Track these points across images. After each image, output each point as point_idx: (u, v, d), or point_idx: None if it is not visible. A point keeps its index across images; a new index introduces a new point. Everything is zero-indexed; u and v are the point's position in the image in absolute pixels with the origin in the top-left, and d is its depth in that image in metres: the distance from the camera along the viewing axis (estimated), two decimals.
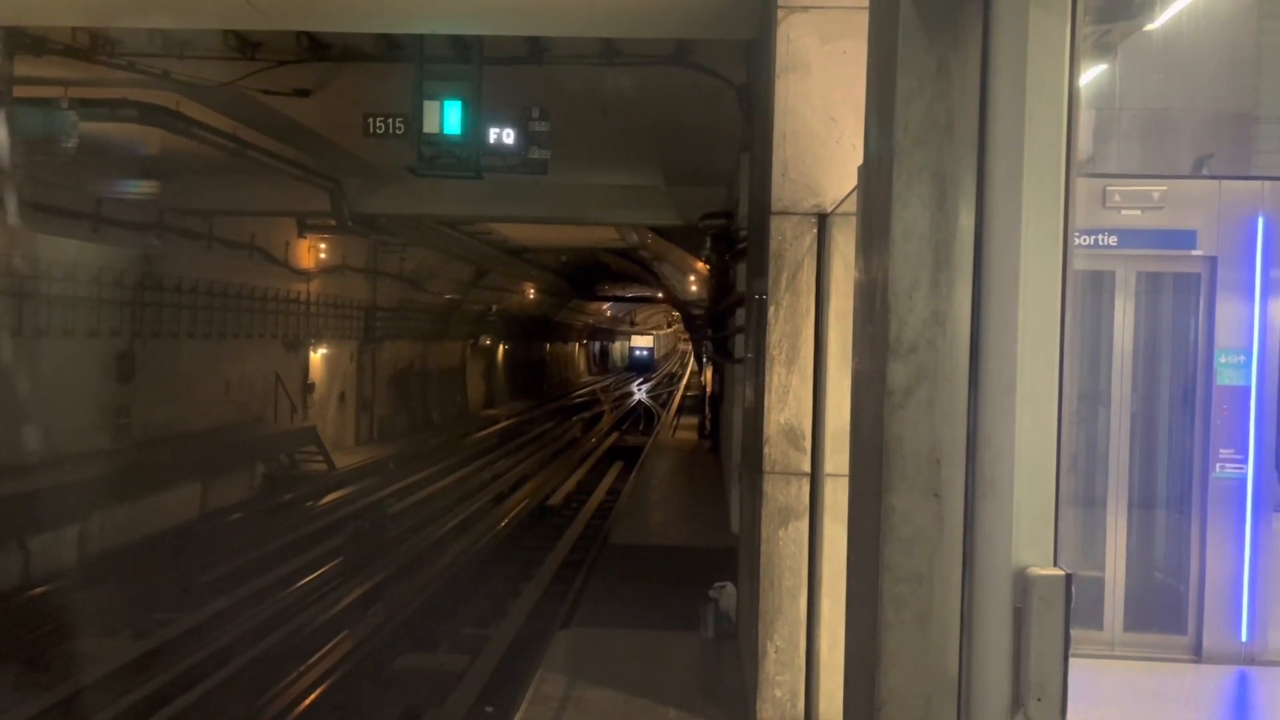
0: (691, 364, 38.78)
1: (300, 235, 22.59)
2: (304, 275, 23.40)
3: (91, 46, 9.66)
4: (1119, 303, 7.70)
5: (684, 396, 38.02)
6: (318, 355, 24.81)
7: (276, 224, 21.47)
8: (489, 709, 8.74)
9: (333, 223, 18.37)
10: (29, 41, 9.37)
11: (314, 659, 10.13)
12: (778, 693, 5.99)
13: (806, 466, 5.86)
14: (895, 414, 2.70)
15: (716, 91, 9.54)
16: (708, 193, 16.03)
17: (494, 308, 37.57)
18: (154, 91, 10.90)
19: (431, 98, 9.34)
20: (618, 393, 49.30)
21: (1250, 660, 7.48)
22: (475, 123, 9.49)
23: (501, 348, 42.84)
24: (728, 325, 13.88)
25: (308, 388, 24.23)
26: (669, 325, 43.77)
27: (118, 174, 15.43)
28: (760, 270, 6.25)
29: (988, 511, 2.53)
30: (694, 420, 29.97)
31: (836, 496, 5.57)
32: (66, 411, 14.64)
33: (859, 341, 3.21)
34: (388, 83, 10.09)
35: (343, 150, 14.72)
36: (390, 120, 9.50)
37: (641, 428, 35.20)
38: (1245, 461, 7.50)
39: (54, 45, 9.48)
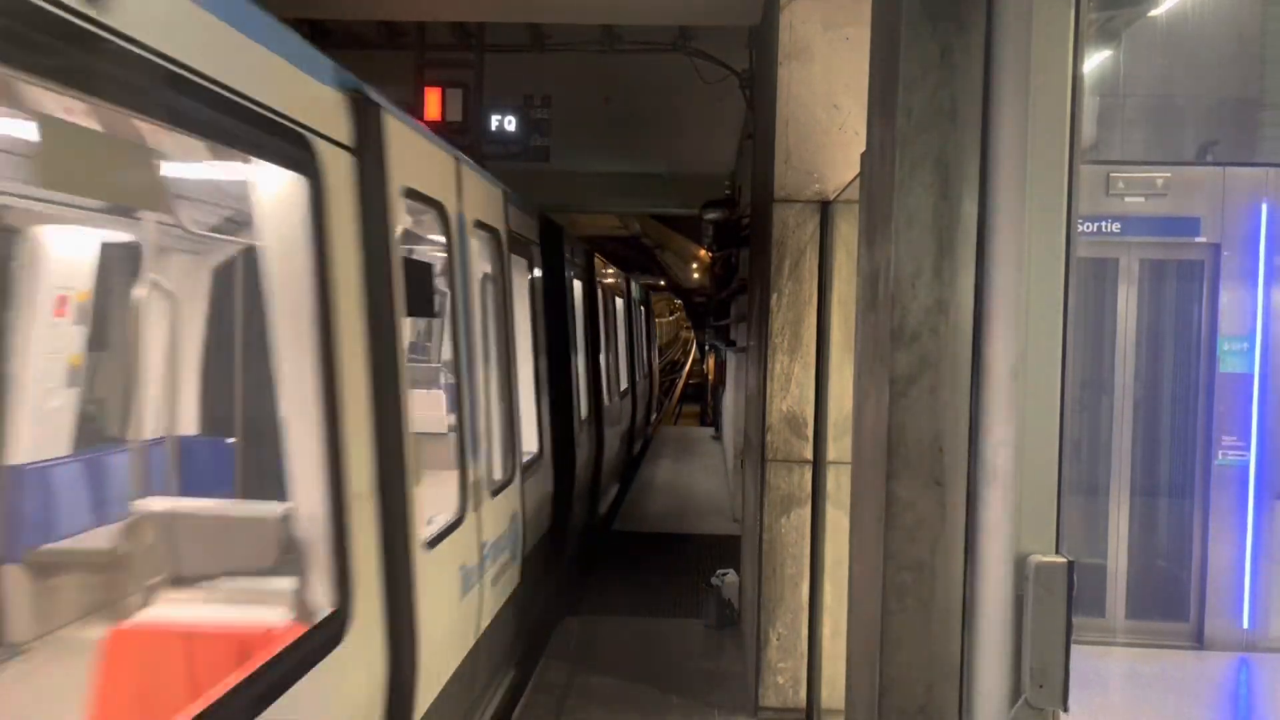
0: (694, 352, 38.80)
1: None
2: None
3: None
4: (1122, 290, 7.69)
5: (686, 384, 38.03)
6: None
7: None
8: None
9: None
10: None
11: None
12: (780, 680, 6.01)
13: (809, 454, 5.87)
14: (898, 402, 2.70)
15: (719, 79, 9.52)
16: (710, 180, 16.00)
17: None
18: None
19: (432, 85, 9.33)
20: None
21: (1252, 647, 7.50)
22: (477, 110, 9.47)
23: None
24: (730, 313, 13.87)
25: None
26: (671, 313, 43.77)
27: None
28: (763, 258, 6.24)
29: (990, 499, 2.53)
30: (696, 408, 30.00)
31: (839, 484, 5.57)
32: None
33: (862, 329, 3.21)
34: (389, 70, 10.07)
35: None
36: None
37: None
38: (1248, 448, 7.51)
39: None
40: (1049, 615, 2.48)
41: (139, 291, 4.04)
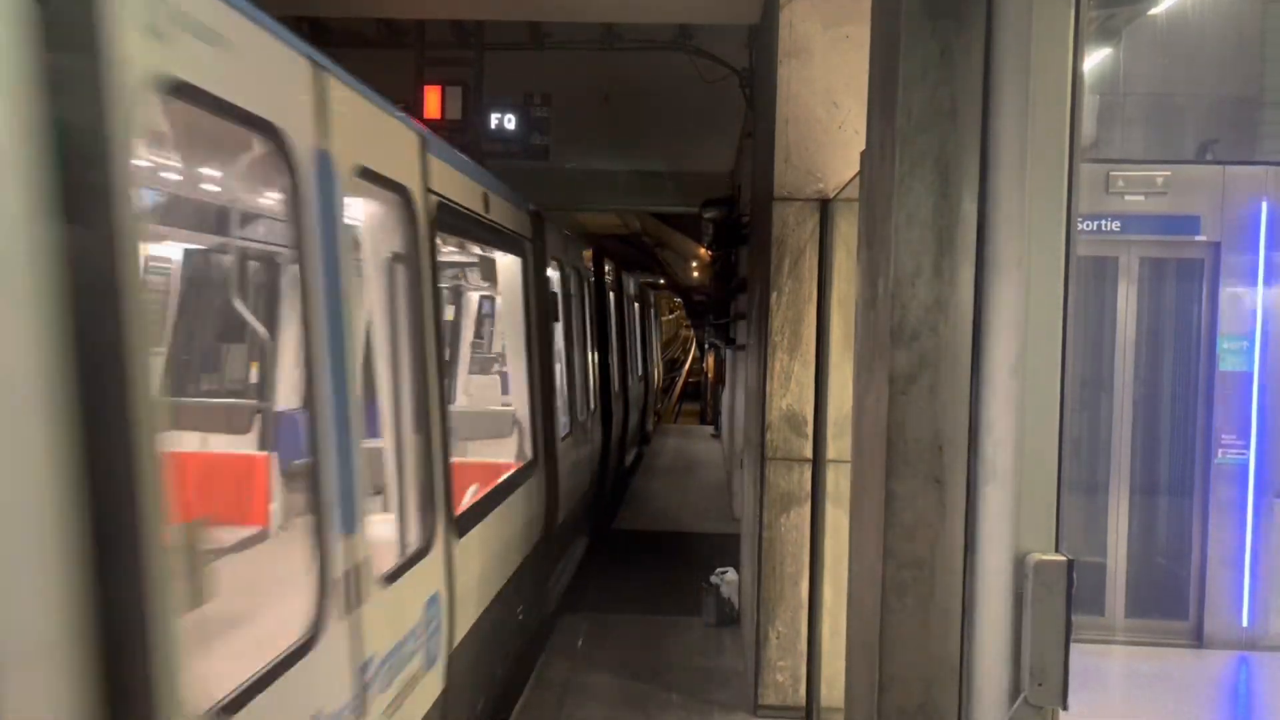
0: (694, 350, 38.78)
1: None
2: None
3: None
4: (1122, 289, 7.68)
5: (686, 383, 38.02)
6: None
7: None
8: None
9: None
10: None
11: None
12: (779, 677, 6.01)
13: (809, 452, 5.87)
14: (898, 400, 2.70)
15: (719, 77, 9.52)
16: (710, 179, 15.99)
17: None
18: None
19: (432, 83, 9.32)
20: None
21: (1251, 645, 7.50)
22: (476, 108, 9.46)
23: None
24: (729, 311, 13.86)
25: None
26: (670, 312, 43.71)
27: None
28: (762, 256, 6.24)
29: (990, 498, 2.53)
30: (696, 407, 29.96)
31: (839, 482, 5.57)
32: None
33: (861, 328, 3.21)
34: (388, 68, 10.05)
35: None
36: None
37: None
38: (1247, 447, 7.51)
39: None
40: (1048, 613, 2.48)
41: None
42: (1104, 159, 8.28)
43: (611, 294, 14.51)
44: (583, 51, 10.06)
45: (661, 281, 31.58)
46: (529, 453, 6.83)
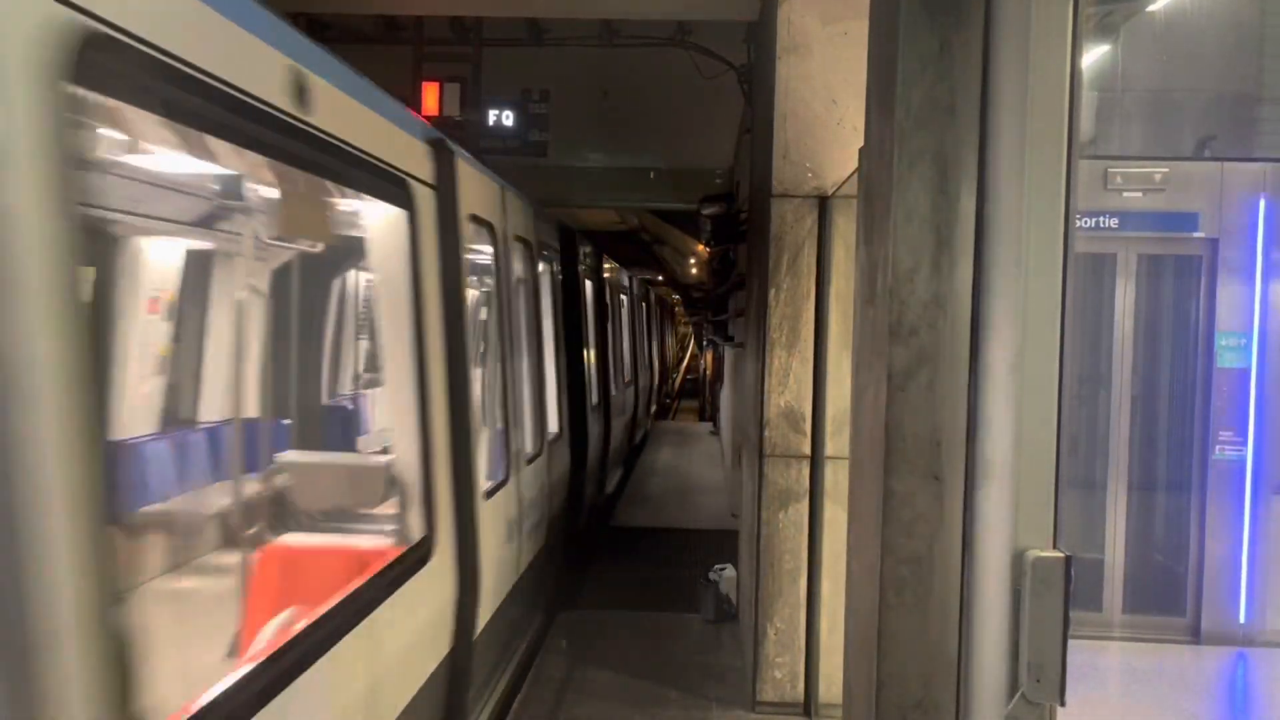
0: (692, 347, 38.78)
1: None
2: None
3: None
4: (1120, 285, 7.69)
5: (684, 379, 38.01)
6: None
7: None
8: None
9: None
10: None
11: None
12: (778, 674, 6.01)
13: (807, 449, 5.87)
14: (896, 397, 2.70)
15: (717, 74, 9.51)
16: (708, 176, 15.99)
17: None
18: None
19: (431, 79, 9.31)
20: None
21: (1249, 641, 7.51)
22: (475, 105, 9.46)
23: None
24: (728, 308, 13.86)
25: None
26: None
27: None
28: (761, 253, 6.24)
29: (988, 494, 2.53)
30: (694, 404, 29.99)
31: (837, 479, 5.58)
32: None
33: (860, 324, 3.20)
34: (387, 65, 10.04)
35: None
36: None
37: None
38: (1245, 443, 7.52)
39: None
40: (1046, 610, 2.48)
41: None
42: (1102, 155, 8.29)
43: (588, 284, 11.92)
44: (581, 48, 10.06)
45: (660, 278, 31.55)
46: (418, 528, 4.17)
